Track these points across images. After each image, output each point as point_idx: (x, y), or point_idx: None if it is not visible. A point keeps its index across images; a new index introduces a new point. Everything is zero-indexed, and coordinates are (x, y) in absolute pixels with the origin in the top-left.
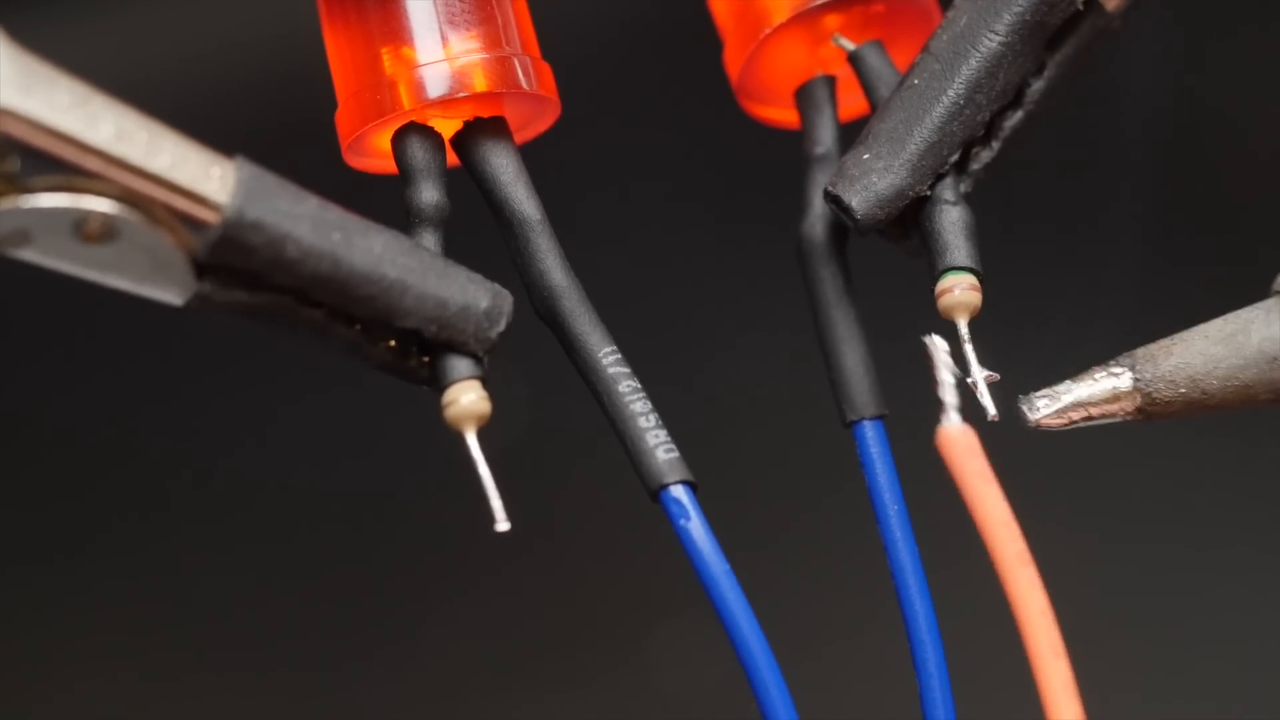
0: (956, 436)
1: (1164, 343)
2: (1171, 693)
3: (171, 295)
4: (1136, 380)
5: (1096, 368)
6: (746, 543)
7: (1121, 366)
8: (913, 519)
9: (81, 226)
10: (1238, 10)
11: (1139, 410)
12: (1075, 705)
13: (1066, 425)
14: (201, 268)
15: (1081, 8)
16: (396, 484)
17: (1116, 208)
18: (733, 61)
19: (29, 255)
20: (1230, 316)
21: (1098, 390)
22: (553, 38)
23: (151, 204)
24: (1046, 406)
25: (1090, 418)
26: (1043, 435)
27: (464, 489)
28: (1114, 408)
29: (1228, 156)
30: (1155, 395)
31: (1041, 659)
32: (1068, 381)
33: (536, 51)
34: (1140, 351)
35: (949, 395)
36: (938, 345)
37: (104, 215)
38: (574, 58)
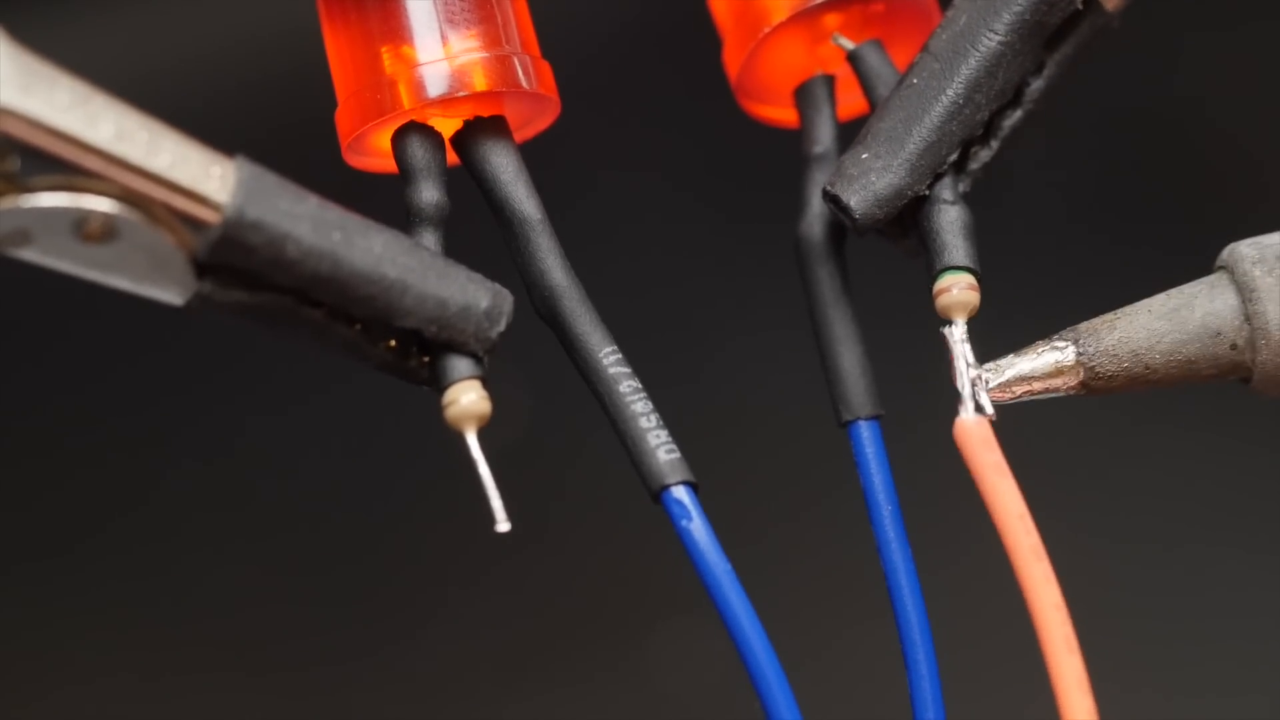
0: (972, 428)
1: (1107, 317)
2: (1178, 689)
3: (172, 295)
4: (1080, 354)
5: (1040, 341)
6: (747, 542)
7: (1065, 340)
8: (907, 519)
9: (82, 226)
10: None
11: (1082, 384)
12: (1088, 700)
13: (1010, 399)
14: (202, 267)
15: (1081, 7)
16: (397, 484)
17: (1075, 200)
18: (732, 60)
19: (29, 255)
20: (1174, 291)
21: (1040, 364)
22: (552, 36)
23: (152, 203)
24: (991, 379)
25: (1033, 392)
26: (1048, 431)
27: (464, 489)
28: (1057, 382)
29: (1182, 144)
30: (1098, 369)
31: (1055, 653)
32: (1011, 355)
33: (536, 50)
34: (1084, 326)
35: (966, 387)
36: (955, 336)
37: (104, 215)
38: (573, 56)
